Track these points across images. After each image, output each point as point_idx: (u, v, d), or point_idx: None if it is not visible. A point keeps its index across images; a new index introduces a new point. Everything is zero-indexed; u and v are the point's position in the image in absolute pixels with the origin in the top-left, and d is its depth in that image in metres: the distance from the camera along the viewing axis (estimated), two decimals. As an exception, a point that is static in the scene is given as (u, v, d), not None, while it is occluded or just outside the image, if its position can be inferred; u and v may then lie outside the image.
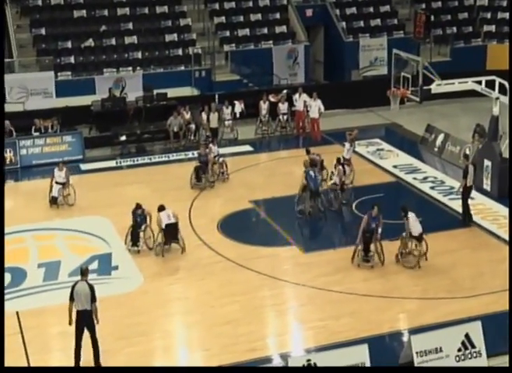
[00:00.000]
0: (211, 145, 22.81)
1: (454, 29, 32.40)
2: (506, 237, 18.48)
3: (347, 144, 22.09)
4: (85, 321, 13.51)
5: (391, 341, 14.74)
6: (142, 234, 18.07)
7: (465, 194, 19.61)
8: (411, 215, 17.32)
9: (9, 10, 28.88)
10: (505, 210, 19.87)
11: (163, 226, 17.86)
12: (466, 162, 20.46)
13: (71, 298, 13.52)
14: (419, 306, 15.72)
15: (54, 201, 20.53)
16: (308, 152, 21.39)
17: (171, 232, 17.94)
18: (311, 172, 19.90)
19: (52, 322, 15.21)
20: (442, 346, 13.33)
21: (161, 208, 17.99)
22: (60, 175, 20.74)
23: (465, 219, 19.62)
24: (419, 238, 17.33)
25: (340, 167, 20.60)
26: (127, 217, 19.37)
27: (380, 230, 17.19)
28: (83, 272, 13.75)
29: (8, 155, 23.86)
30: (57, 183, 20.74)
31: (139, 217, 18.10)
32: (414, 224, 17.30)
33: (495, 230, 19.05)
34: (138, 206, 18.19)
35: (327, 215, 19.99)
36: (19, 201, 21.64)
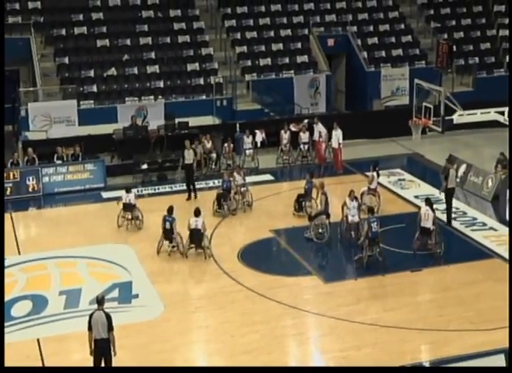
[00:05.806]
0: (235, 174, 22.88)
1: (477, 59, 32.40)
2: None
3: (375, 174, 22.18)
4: (102, 349, 13.48)
5: (413, 373, 14.59)
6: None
7: (448, 196, 21.02)
8: None
9: (34, 40, 29.25)
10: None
11: (188, 230, 19.17)
12: (449, 165, 22.25)
13: (90, 328, 13.50)
14: (442, 337, 15.50)
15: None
16: (312, 176, 22.06)
17: (194, 237, 19.16)
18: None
19: (73, 349, 15.18)
20: (465, 378, 13.21)
21: (196, 214, 19.24)
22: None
23: (450, 221, 20.95)
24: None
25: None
26: (148, 245, 19.44)
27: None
28: (99, 301, 13.73)
29: (31, 182, 23.99)
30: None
31: (168, 222, 19.25)
32: None
33: (519, 261, 18.86)
34: (170, 211, 19.35)
35: (348, 245, 19.89)
36: (41, 228, 21.72)
